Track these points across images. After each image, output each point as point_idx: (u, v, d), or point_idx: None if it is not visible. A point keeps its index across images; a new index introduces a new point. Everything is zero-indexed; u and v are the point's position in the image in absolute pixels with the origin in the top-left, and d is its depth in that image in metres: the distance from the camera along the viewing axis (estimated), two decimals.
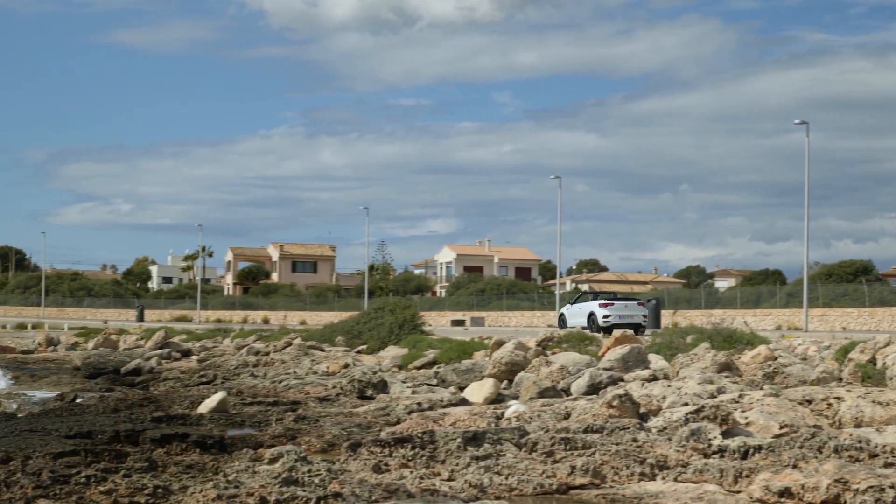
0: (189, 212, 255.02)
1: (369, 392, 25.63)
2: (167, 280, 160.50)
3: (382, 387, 26.12)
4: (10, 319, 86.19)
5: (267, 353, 40.07)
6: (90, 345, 57.03)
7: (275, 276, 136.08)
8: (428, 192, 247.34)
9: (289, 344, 42.00)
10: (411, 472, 13.68)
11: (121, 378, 37.10)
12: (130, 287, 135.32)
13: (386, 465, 14.16)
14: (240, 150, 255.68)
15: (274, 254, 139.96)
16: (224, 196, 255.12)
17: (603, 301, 46.34)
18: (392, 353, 35.23)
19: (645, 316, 45.49)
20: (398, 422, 20.05)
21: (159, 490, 12.23)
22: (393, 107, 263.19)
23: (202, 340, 52.52)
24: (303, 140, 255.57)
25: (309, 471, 12.95)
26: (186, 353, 46.35)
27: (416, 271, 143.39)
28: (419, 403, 22.20)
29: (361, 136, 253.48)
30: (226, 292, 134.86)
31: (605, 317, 44.54)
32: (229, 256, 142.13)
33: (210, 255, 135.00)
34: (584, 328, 42.75)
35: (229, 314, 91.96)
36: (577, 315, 47.06)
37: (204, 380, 33.16)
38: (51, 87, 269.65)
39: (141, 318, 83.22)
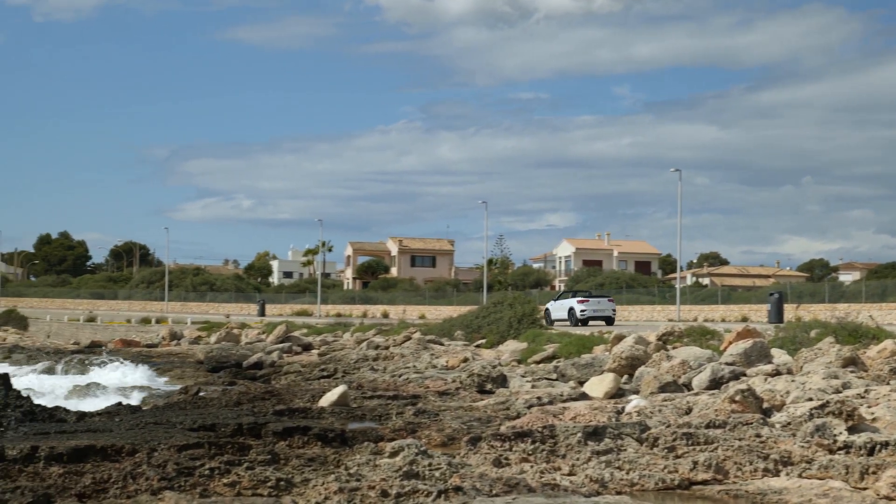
0: (309, 207, 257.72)
1: (489, 386, 25.61)
2: (287, 275, 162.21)
3: (502, 381, 26.09)
4: (134, 314, 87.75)
5: (386, 348, 40.25)
6: (213, 339, 57.79)
7: (394, 271, 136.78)
8: (546, 185, 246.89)
9: (408, 338, 42.14)
10: (532, 467, 13.62)
11: (243, 372, 37.57)
12: (252, 282, 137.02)
13: (506, 459, 14.12)
14: (358, 146, 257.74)
15: (393, 248, 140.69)
16: (343, 191, 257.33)
17: (580, 298, 55.66)
18: (511, 347, 35.15)
19: (614, 310, 55.91)
20: (518, 416, 19.99)
21: (281, 482, 12.33)
22: (511, 101, 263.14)
23: (322, 334, 52.93)
24: (421, 135, 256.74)
25: (429, 464, 12.95)
26: (307, 347, 46.75)
27: (535, 265, 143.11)
28: (539, 398, 22.12)
29: (479, 131, 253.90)
30: (345, 287, 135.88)
31: (581, 311, 53.77)
32: (349, 251, 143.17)
33: (330, 250, 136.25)
34: (564, 320, 53.95)
35: (349, 308, 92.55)
36: (559, 309, 55.95)
37: (325, 374, 33.40)
38: (172, 84, 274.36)
39: (262, 313, 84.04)
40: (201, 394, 27.45)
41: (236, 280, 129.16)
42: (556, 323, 53.13)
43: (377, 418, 20.63)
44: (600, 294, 62.98)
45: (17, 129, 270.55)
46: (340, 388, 23.24)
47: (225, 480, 12.40)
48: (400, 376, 30.13)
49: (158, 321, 75.82)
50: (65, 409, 22.04)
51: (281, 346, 46.33)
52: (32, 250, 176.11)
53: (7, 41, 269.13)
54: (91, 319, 79.77)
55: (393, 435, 17.42)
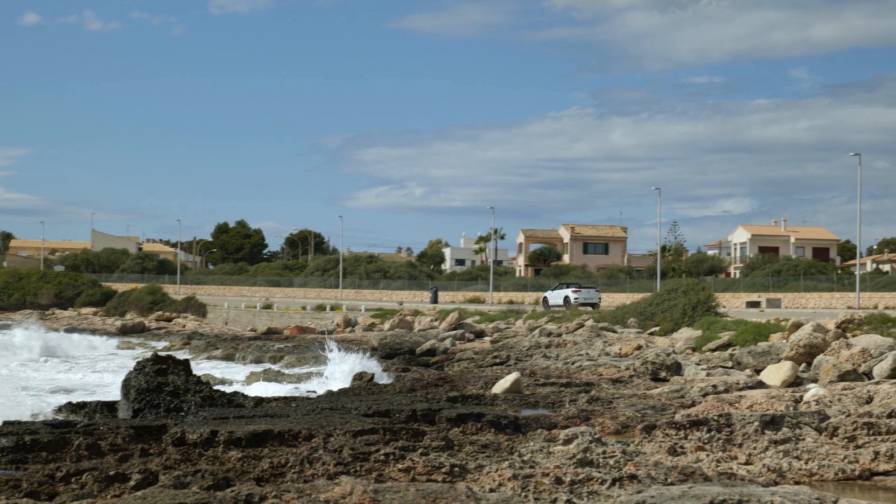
0: (480, 194, 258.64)
1: (662, 374, 25.34)
2: (460, 262, 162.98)
3: (676, 369, 25.79)
4: (309, 301, 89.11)
5: (559, 335, 40.13)
6: (386, 326, 58.35)
7: (566, 258, 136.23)
8: (721, 171, 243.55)
9: (581, 325, 41.96)
10: (707, 455, 13.41)
11: (416, 358, 37.86)
12: (424, 269, 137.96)
13: (681, 447, 13.93)
14: (530, 133, 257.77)
15: (565, 235, 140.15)
16: (514, 178, 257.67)
17: (574, 289, 70.92)
18: (685, 334, 34.72)
19: (599, 298, 70.31)
20: (693, 404, 19.74)
21: (456, 468, 12.36)
22: (684, 85, 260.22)
23: (495, 322, 53.02)
24: (593, 121, 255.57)
25: (603, 452, 12.84)
26: (479, 335, 46.90)
27: (709, 252, 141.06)
28: (714, 386, 21.80)
29: (652, 116, 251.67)
30: (517, 274, 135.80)
31: (575, 298, 68.16)
32: (520, 238, 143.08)
33: (502, 238, 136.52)
34: (560, 306, 66.77)
35: (521, 295, 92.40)
36: (556, 297, 70.53)
37: (497, 361, 33.44)
38: (346, 73, 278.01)
39: (435, 300, 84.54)
40: (375, 380, 27.76)
41: (409, 267, 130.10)
42: (552, 308, 65.79)
43: (550, 405, 20.57)
44: (588, 285, 78.72)
45: (193, 120, 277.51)
46: (513, 376, 23.23)
47: (400, 466, 12.48)
48: (572, 364, 30.01)
49: (333, 308, 76.82)
50: (243, 395, 22.50)
51: (453, 333, 46.55)
52: (211, 239, 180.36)
53: (184, 33, 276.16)
54: (267, 307, 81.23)
55: (566, 422, 17.33)
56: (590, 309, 61.19)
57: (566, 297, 69.00)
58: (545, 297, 72.83)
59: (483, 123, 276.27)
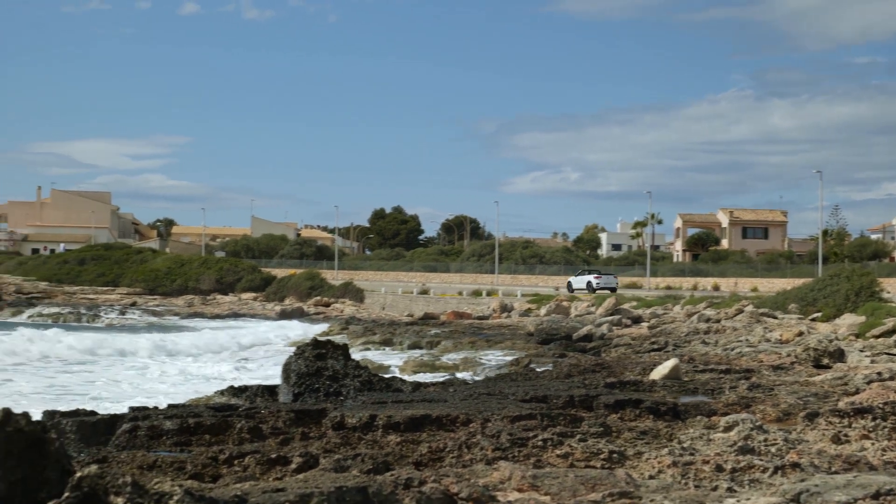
0: (636, 178, 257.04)
1: (825, 361, 24.82)
2: (616, 247, 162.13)
3: (839, 356, 25.24)
4: (465, 286, 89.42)
5: (718, 321, 39.65)
6: (542, 311, 58.31)
7: (724, 243, 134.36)
8: (884, 153, 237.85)
9: (740, 311, 41.38)
10: (872, 444, 13.09)
11: (573, 344, 37.75)
12: (580, 254, 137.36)
13: (845, 436, 13.62)
14: (687, 116, 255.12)
15: (723, 220, 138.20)
16: (671, 162, 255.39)
17: (595, 275, 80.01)
18: (848, 321, 33.95)
19: (617, 283, 79.46)
20: (856, 392, 19.28)
21: (614, 455, 12.27)
22: (846, 65, 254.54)
23: (652, 307, 52.63)
24: (752, 103, 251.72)
25: (765, 440, 12.62)
26: (636, 320, 46.58)
27: (873, 236, 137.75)
28: (879, 373, 21.27)
29: (812, 98, 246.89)
30: (675, 259, 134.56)
31: (596, 283, 77.18)
32: (678, 223, 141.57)
33: (659, 223, 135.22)
34: (583, 289, 76.40)
35: (679, 281, 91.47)
36: (580, 283, 79.53)
37: (655, 347, 33.19)
38: (501, 58, 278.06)
39: None
40: (532, 366, 27.74)
41: (565, 252, 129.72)
42: (575, 291, 76.63)
43: (709, 392, 20.29)
44: (607, 272, 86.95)
45: (349, 107, 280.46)
46: (672, 362, 22.99)
47: (558, 452, 12.43)
48: (732, 350, 29.61)
49: (489, 293, 77.03)
50: (401, 380, 22.68)
51: (610, 318, 46.33)
52: (368, 225, 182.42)
53: (339, 20, 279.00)
54: (424, 292, 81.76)
55: (726, 409, 17.08)
56: (688, 296, 62.48)
57: (588, 283, 78.45)
58: (570, 282, 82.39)
59: (639, 107, 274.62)
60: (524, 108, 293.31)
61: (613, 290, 74.94)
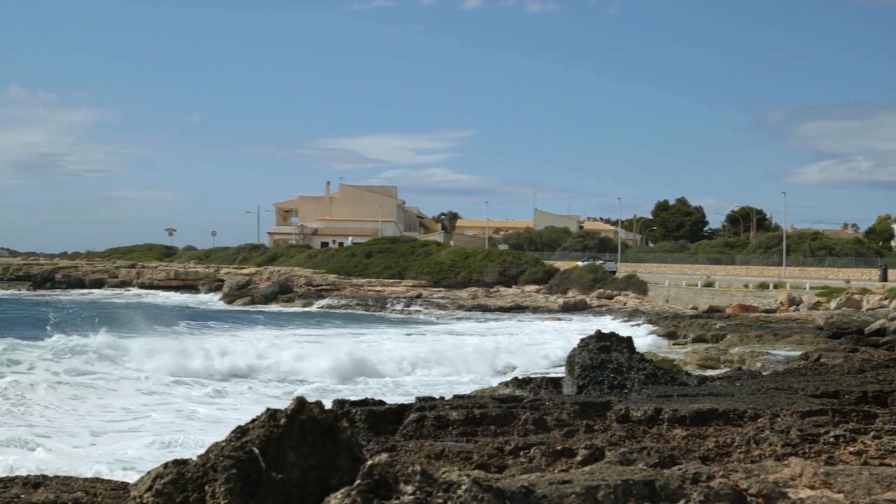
0: None
1: None
2: None
3: None
4: (751, 279, 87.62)
5: None
6: (832, 304, 56.69)
7: None
8: None
9: None
10: None
11: (864, 338, 36.53)
12: (872, 246, 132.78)
13: None
14: None
15: None
16: None
17: (602, 261, 79.21)
18: None
19: (616, 268, 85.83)
20: None
21: None
22: None
23: None
24: None
25: None
26: None
27: None
28: None
29: None
30: None
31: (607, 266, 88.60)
32: None
33: None
34: None
35: None
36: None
37: None
38: (788, 45, 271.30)
39: (884, 278, 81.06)
40: (822, 360, 26.98)
41: (856, 244, 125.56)
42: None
43: None
44: (609, 259, 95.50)
45: (627, 100, 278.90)
46: None
47: (850, 449, 12.05)
48: None
49: (776, 286, 75.31)
50: (686, 373, 22.43)
51: None
52: (650, 217, 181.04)
53: (619, 11, 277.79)
54: (708, 284, 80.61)
55: None
56: None
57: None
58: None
59: None
60: (812, 97, 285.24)
61: (614, 272, 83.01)
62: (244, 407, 24.63)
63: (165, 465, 6.32)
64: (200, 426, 21.82)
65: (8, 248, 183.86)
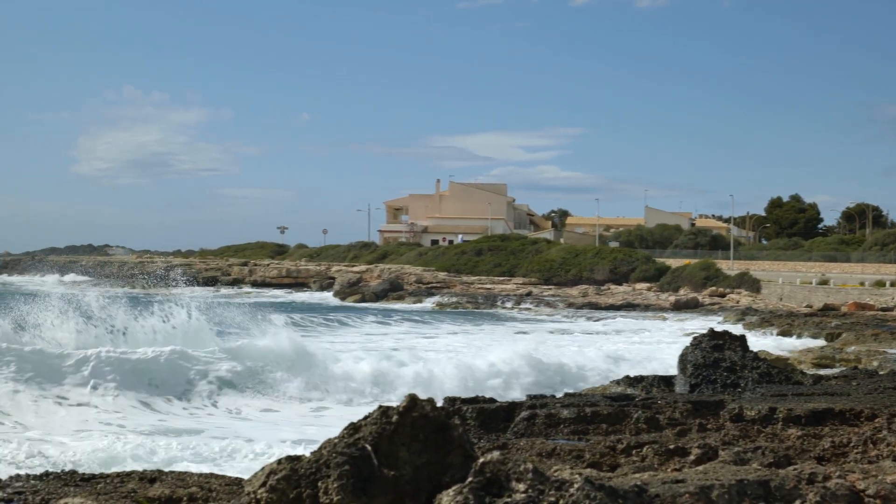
0: None
1: None
2: None
3: None
4: (867, 277, 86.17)
5: None
6: None
7: None
8: None
9: None
10: None
11: None
12: None
13: None
14: None
15: None
16: None
17: None
18: None
19: None
20: None
21: None
22: None
23: None
24: None
25: None
26: None
27: None
28: None
29: None
30: None
31: None
32: None
33: None
34: None
35: None
36: None
37: None
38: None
39: None
40: None
41: None
42: None
43: None
44: None
45: (745, 94, 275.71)
46: None
47: None
48: None
49: (892, 284, 73.97)
50: (801, 372, 22.13)
51: None
52: (763, 214, 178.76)
53: (731, 5, 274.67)
54: (823, 282, 79.41)
55: None
56: None
57: None
58: None
59: None
60: None
61: None
62: None
63: (279, 461, 6.40)
64: None
65: (123, 245, 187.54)
